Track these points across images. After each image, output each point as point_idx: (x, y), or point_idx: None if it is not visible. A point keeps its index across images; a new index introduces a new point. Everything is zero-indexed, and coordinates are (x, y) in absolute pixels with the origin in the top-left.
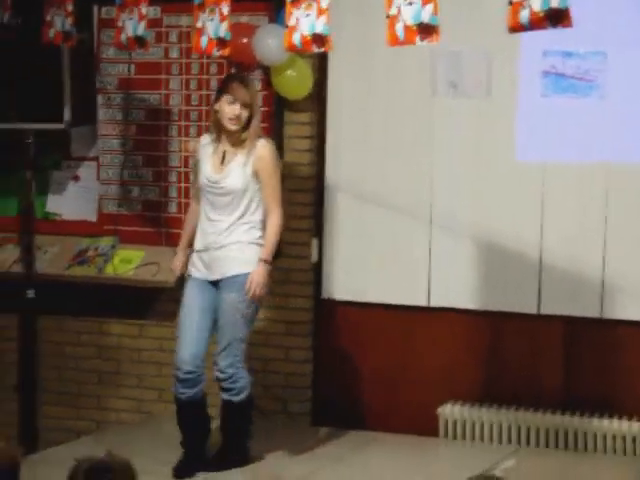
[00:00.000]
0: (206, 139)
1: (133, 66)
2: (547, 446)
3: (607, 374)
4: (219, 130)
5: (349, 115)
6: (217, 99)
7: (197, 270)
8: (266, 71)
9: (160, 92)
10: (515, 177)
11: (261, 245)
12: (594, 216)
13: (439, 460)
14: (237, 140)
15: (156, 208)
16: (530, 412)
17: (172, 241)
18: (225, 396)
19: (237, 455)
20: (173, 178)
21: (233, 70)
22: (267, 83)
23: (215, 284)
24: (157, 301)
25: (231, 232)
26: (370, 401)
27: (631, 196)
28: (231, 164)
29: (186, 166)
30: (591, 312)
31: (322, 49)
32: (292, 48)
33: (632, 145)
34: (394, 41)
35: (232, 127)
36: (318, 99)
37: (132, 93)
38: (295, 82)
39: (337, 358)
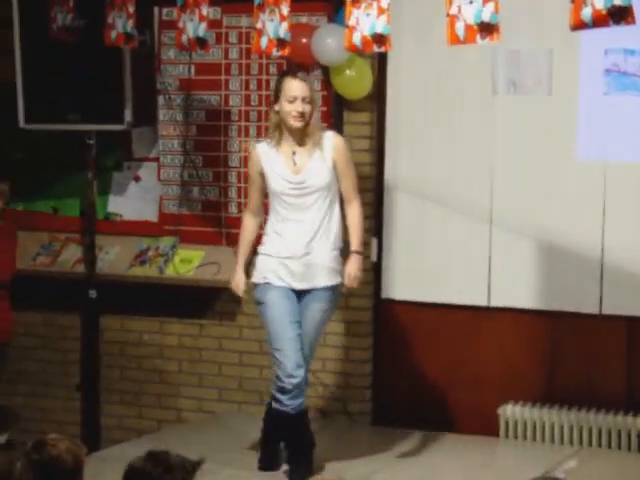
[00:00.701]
0: (262, 147)
1: (193, 67)
2: (609, 447)
3: None
4: (281, 131)
5: (408, 115)
6: (275, 100)
7: (279, 279)
8: (325, 71)
9: (220, 93)
10: (576, 176)
11: (341, 251)
12: None
13: (500, 461)
14: (303, 137)
15: (216, 208)
16: (591, 413)
17: (232, 241)
18: (296, 403)
19: (309, 462)
20: (233, 178)
21: (285, 68)
22: (326, 83)
23: (299, 292)
24: (217, 301)
25: (319, 236)
26: (430, 401)
27: None
28: (309, 162)
29: (246, 166)
30: None
31: (382, 49)
32: (352, 48)
33: None
34: (455, 40)
35: (298, 124)
36: (377, 99)
37: (192, 94)
38: (354, 82)
39: (397, 358)
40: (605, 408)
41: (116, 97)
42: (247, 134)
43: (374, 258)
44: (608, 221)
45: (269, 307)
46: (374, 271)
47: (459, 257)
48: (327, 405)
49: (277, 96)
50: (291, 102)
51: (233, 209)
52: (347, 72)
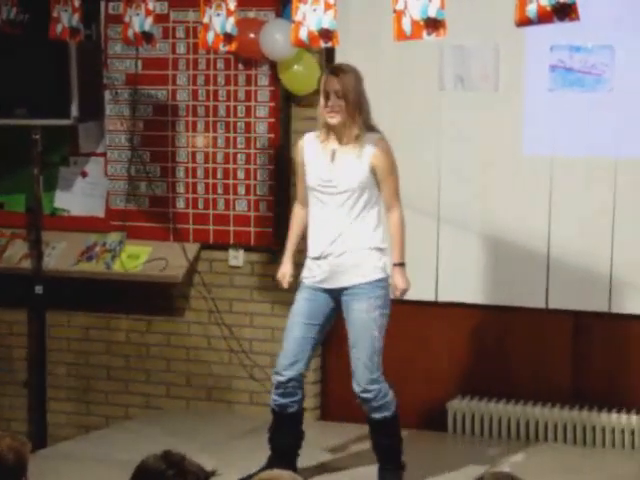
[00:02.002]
0: (310, 138)
1: (140, 62)
2: (555, 440)
3: (615, 368)
4: (327, 128)
5: None
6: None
7: (312, 277)
8: (273, 66)
9: (167, 88)
10: (522, 171)
11: (381, 250)
12: (602, 210)
13: (448, 454)
14: (345, 136)
15: (164, 204)
16: (538, 407)
17: (180, 236)
18: (376, 416)
19: (398, 472)
20: (181, 174)
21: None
22: (274, 78)
23: (332, 292)
24: (165, 296)
25: (349, 236)
26: None
27: (638, 190)
28: (344, 162)
29: (194, 161)
30: (599, 306)
31: (329, 44)
32: (299, 43)
33: (639, 138)
34: (401, 35)
35: (331, 120)
36: None
37: (139, 89)
38: (302, 77)
39: (345, 353)
40: (552, 402)
41: (62, 92)
42: (194, 129)
43: None
44: (554, 216)
45: (294, 303)
46: None
47: (407, 252)
48: None
49: (319, 92)
50: (324, 97)
51: (181, 204)
52: (295, 67)
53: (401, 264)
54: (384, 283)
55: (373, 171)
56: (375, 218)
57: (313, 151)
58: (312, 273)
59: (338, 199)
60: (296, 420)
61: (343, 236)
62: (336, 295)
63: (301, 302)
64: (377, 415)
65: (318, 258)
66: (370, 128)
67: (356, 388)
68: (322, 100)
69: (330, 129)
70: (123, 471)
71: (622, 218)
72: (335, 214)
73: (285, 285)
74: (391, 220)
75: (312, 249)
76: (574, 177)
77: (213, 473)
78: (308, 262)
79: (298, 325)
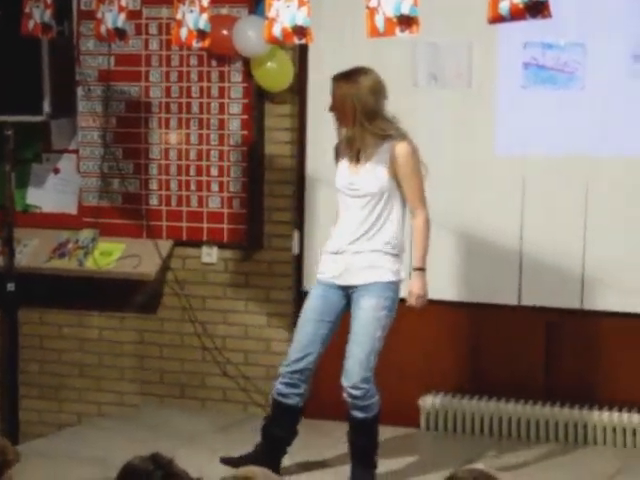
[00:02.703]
0: (342, 141)
1: (113, 58)
2: (528, 437)
3: (588, 365)
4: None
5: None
6: None
7: (327, 273)
8: (246, 63)
9: (140, 84)
10: (495, 169)
11: (396, 256)
12: (574, 208)
13: (421, 451)
14: (359, 143)
15: (136, 201)
16: (511, 403)
17: (153, 233)
18: (359, 415)
19: (370, 470)
20: (154, 170)
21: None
22: (247, 75)
23: (345, 289)
24: (138, 294)
25: (367, 238)
26: None
27: (611, 187)
28: (365, 166)
29: (167, 158)
30: (572, 303)
31: (303, 41)
32: (272, 40)
33: (612, 136)
34: (374, 32)
35: (340, 125)
36: (299, 91)
37: (112, 85)
38: (275, 74)
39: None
40: (525, 398)
41: (34, 88)
42: (167, 126)
43: (296, 251)
44: (527, 213)
45: (307, 299)
46: (296, 263)
47: None
48: (248, 397)
49: None
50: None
51: (154, 201)
52: (268, 64)
53: (420, 269)
54: (395, 286)
55: (394, 176)
56: (395, 223)
57: (342, 155)
58: (327, 268)
59: (359, 202)
60: (294, 414)
61: (362, 237)
62: (348, 292)
63: (314, 299)
64: (360, 414)
65: (335, 253)
66: (389, 132)
67: (345, 383)
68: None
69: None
70: (96, 468)
71: (594, 216)
72: (357, 216)
73: None
74: (414, 224)
75: (331, 245)
76: (546, 175)
77: None
78: (324, 257)
79: (310, 322)
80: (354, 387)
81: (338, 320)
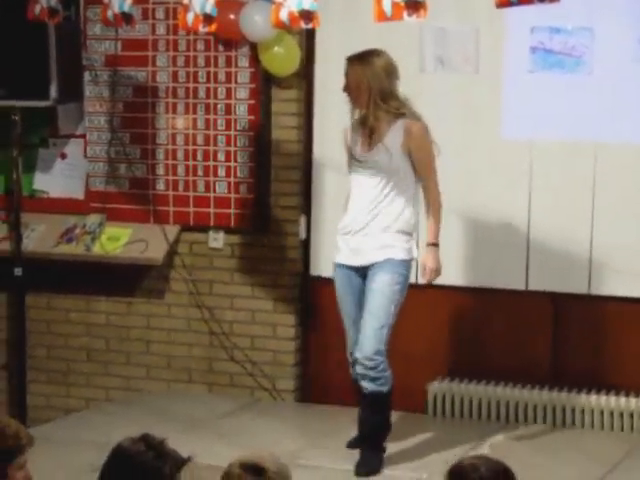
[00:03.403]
0: (352, 122)
1: (120, 43)
2: (535, 422)
3: (594, 350)
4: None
5: (337, 92)
6: None
7: (343, 256)
8: (253, 48)
9: (147, 69)
10: (502, 153)
11: (409, 234)
12: (582, 193)
13: (428, 437)
14: (373, 122)
15: (143, 186)
16: (518, 388)
17: (160, 218)
18: (371, 386)
19: (378, 454)
20: (160, 155)
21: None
22: (254, 60)
23: (360, 269)
24: (145, 278)
25: (379, 216)
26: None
27: (618, 172)
28: (378, 144)
29: (174, 143)
30: (579, 288)
31: (309, 25)
32: (279, 24)
33: (619, 121)
34: (381, 17)
35: (354, 106)
36: (306, 76)
37: (119, 70)
38: (282, 59)
39: (325, 335)
40: (531, 383)
41: (41, 73)
42: (175, 111)
43: (303, 235)
44: (534, 198)
45: (336, 285)
46: (303, 248)
47: None
48: (255, 382)
49: None
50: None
51: (161, 186)
52: (275, 49)
53: (434, 244)
54: (408, 265)
55: (407, 154)
56: (406, 201)
57: (353, 135)
58: (341, 251)
59: (372, 181)
60: (377, 399)
61: (374, 216)
62: (363, 272)
63: (340, 280)
64: (372, 386)
65: (348, 233)
66: (402, 110)
67: (358, 355)
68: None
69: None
70: (103, 453)
71: (601, 200)
72: (369, 194)
73: None
74: (428, 200)
75: (344, 225)
76: (553, 160)
77: (188, 459)
78: (337, 238)
79: (347, 304)
80: (368, 358)
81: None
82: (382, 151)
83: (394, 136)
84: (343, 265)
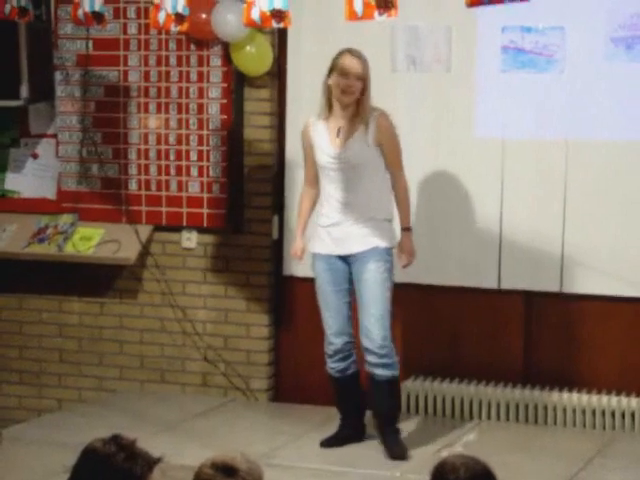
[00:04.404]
0: (312, 121)
1: (91, 42)
2: (508, 420)
3: (567, 348)
4: (331, 107)
5: (309, 91)
6: (329, 75)
7: (325, 246)
8: (225, 47)
9: (119, 68)
10: (474, 152)
11: (390, 221)
12: (553, 191)
13: (402, 435)
14: (351, 114)
15: (116, 185)
16: (491, 386)
17: (132, 218)
18: (386, 373)
19: (400, 434)
20: (133, 155)
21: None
22: (226, 59)
23: (345, 258)
24: (118, 278)
25: (360, 207)
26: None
27: (589, 171)
28: (351, 138)
29: (146, 143)
30: (551, 287)
31: (281, 24)
32: (251, 23)
33: (590, 120)
34: (352, 16)
35: (346, 100)
36: (278, 75)
37: (90, 69)
38: (255, 58)
39: (298, 335)
40: (504, 381)
41: (12, 73)
42: (147, 110)
43: (275, 235)
44: (506, 197)
45: (316, 276)
46: (276, 248)
47: None
48: (228, 382)
49: (331, 71)
50: (343, 76)
51: (133, 186)
52: (247, 48)
53: (408, 228)
54: (391, 251)
55: (379, 144)
56: (384, 189)
57: (318, 132)
58: (323, 242)
59: (348, 173)
60: (356, 381)
61: (354, 207)
62: (349, 261)
63: (322, 273)
64: (386, 372)
65: (330, 226)
66: (373, 106)
67: (370, 345)
68: (337, 77)
69: (336, 107)
70: (76, 454)
71: (573, 199)
72: (345, 187)
73: (300, 260)
74: (398, 187)
75: (323, 219)
76: (525, 159)
77: (159, 459)
78: (318, 231)
79: (330, 294)
80: (380, 346)
81: (351, 285)
82: (358, 145)
83: (366, 128)
84: (325, 255)
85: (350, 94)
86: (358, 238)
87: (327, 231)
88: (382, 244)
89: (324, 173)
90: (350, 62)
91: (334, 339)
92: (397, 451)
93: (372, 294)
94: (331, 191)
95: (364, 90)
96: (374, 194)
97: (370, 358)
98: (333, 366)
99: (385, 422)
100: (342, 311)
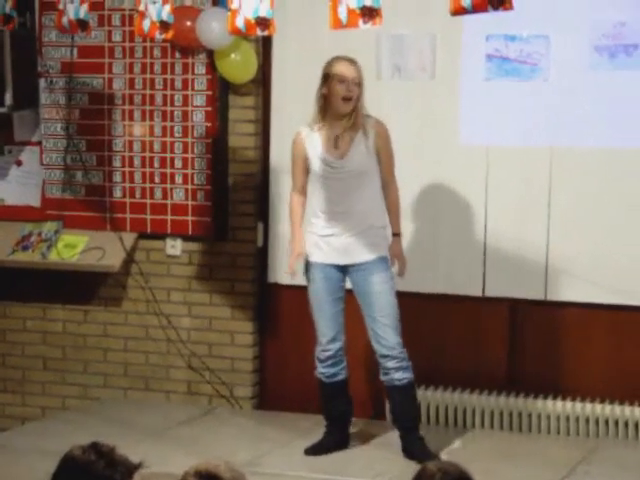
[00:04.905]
0: (306, 131)
1: (76, 50)
2: (492, 427)
3: (551, 355)
4: (324, 115)
5: (294, 99)
6: (324, 83)
7: (323, 255)
8: (210, 55)
9: (103, 76)
10: (459, 160)
11: (385, 229)
12: (538, 199)
13: (385, 443)
14: (347, 121)
15: (100, 193)
16: (475, 394)
17: (117, 226)
18: (407, 375)
19: (424, 441)
20: (117, 162)
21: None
22: (211, 67)
23: (343, 268)
24: (102, 286)
25: (359, 215)
26: (316, 385)
27: (574, 178)
28: (350, 146)
29: (130, 150)
30: (535, 294)
31: (265, 32)
32: (236, 31)
33: (574, 128)
34: (337, 24)
35: (346, 107)
36: (263, 83)
37: (75, 77)
38: (239, 66)
39: (283, 342)
40: (489, 389)
41: None
42: (131, 118)
43: (260, 243)
44: (490, 204)
45: (310, 283)
46: (260, 256)
47: None
48: (213, 390)
49: (325, 79)
50: (341, 83)
51: (117, 193)
52: (232, 56)
53: (399, 234)
54: (388, 260)
55: (378, 150)
56: (379, 196)
57: (313, 143)
58: (322, 251)
59: (349, 182)
60: (345, 387)
61: (353, 215)
62: (347, 270)
63: (319, 282)
64: (406, 375)
65: (328, 236)
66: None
67: (388, 352)
68: (335, 85)
69: (331, 115)
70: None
71: (558, 207)
72: (344, 195)
73: (301, 260)
74: (389, 194)
75: (320, 228)
76: (510, 166)
77: (140, 466)
78: (314, 239)
79: (326, 303)
80: (399, 352)
81: (345, 294)
82: (358, 152)
83: (365, 136)
84: (322, 264)
85: (350, 101)
86: (361, 248)
87: (326, 241)
88: (384, 253)
89: (321, 182)
90: (347, 69)
91: (329, 346)
92: (427, 454)
93: (383, 305)
94: (329, 200)
95: (359, 96)
96: (372, 201)
97: (389, 364)
98: (324, 371)
99: (408, 426)
100: (337, 319)
